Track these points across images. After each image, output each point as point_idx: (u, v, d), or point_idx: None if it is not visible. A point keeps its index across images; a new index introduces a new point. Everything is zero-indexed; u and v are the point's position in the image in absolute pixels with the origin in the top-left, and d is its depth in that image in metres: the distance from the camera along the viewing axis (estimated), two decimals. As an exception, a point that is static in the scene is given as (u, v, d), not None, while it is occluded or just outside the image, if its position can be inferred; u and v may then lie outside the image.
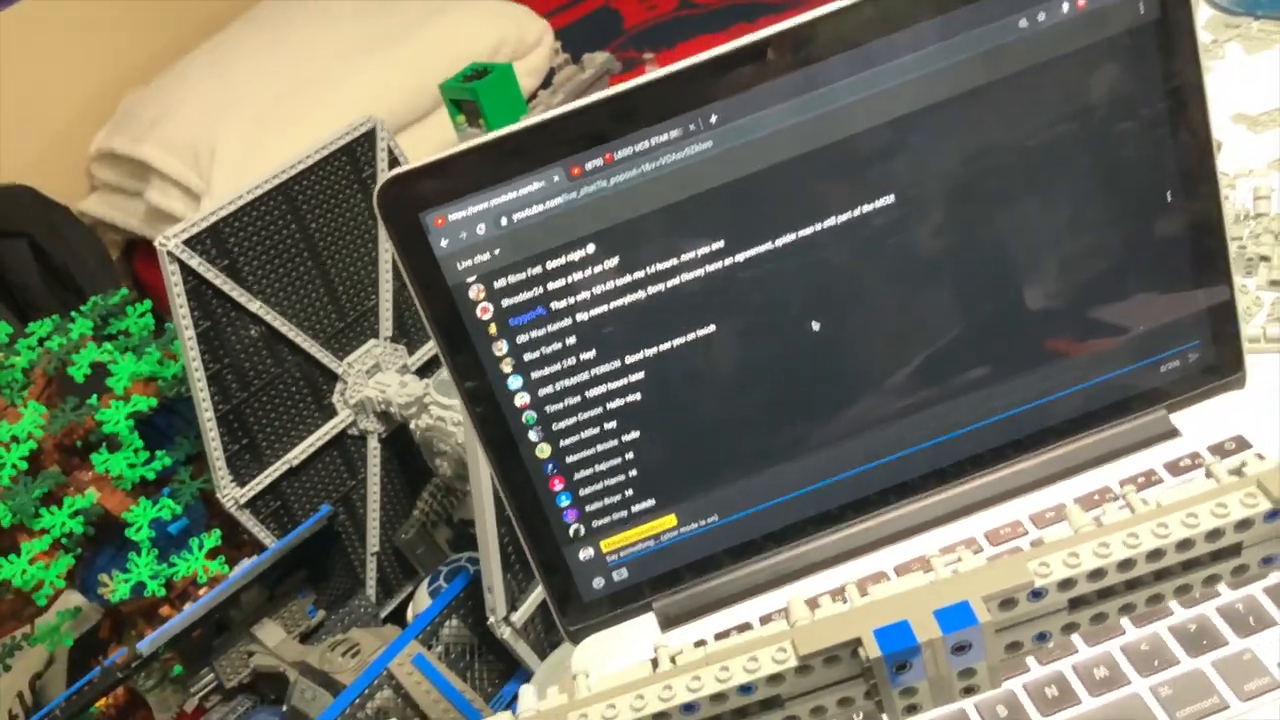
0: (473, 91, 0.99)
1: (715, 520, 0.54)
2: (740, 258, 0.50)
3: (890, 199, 0.50)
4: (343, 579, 0.84)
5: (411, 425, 0.81)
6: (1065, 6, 0.49)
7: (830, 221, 0.50)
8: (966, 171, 0.50)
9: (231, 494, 0.77)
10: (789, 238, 0.50)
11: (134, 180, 1.36)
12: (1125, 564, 0.37)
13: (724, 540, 0.54)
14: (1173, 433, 0.54)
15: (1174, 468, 0.53)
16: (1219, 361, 0.54)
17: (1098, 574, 0.37)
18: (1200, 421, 0.55)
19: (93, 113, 1.61)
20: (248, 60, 1.38)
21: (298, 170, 0.77)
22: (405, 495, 0.88)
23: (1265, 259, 0.66)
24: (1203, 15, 0.88)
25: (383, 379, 0.83)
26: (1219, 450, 0.53)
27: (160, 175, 1.27)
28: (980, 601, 0.36)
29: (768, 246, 0.50)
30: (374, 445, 0.84)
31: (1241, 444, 0.53)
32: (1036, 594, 0.37)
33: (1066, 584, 0.37)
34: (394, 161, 0.82)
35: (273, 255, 0.77)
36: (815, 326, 0.51)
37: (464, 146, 0.48)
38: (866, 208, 0.50)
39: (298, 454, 0.80)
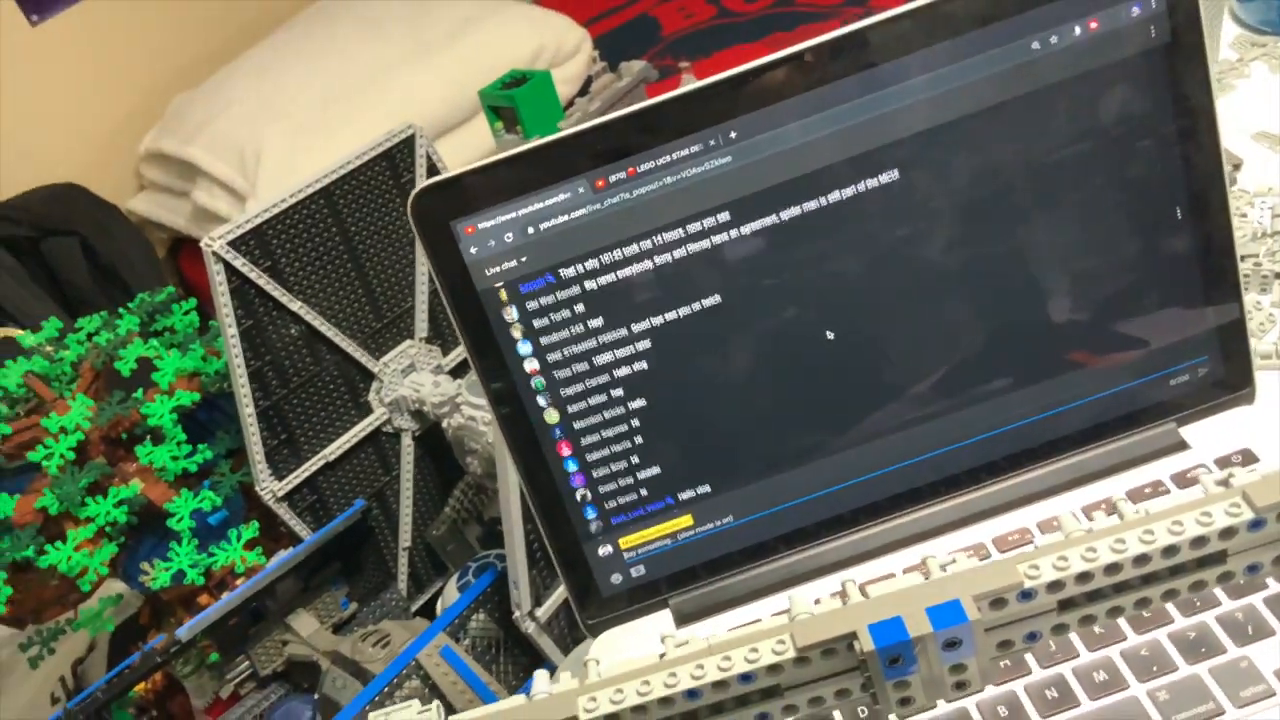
0: (511, 99, 1.02)
1: (730, 521, 0.56)
2: (756, 270, 0.52)
3: (904, 214, 0.52)
4: (375, 572, 0.87)
5: (444, 424, 0.83)
6: (1077, 30, 0.50)
7: (844, 235, 0.52)
8: (979, 188, 0.52)
9: (270, 487, 0.80)
10: (803, 250, 0.52)
11: (181, 181, 1.40)
12: (1112, 568, 0.39)
13: (738, 541, 0.57)
14: (1181, 445, 0.56)
15: (1181, 479, 0.55)
16: (1229, 377, 0.56)
17: (1085, 577, 0.39)
18: (1209, 435, 0.56)
19: (142, 114, 1.66)
20: (293, 65, 1.41)
21: (339, 175, 0.80)
22: (437, 492, 0.91)
23: (1281, 276, 0.67)
24: (1228, 33, 0.89)
25: (417, 379, 0.86)
26: (1225, 463, 0.55)
27: (207, 176, 1.31)
28: (970, 600, 0.39)
29: (782, 258, 0.52)
30: (407, 443, 0.87)
31: (1249, 458, 0.55)
32: (1026, 595, 0.39)
33: (1055, 586, 0.39)
34: (432, 167, 0.85)
35: (313, 257, 0.80)
36: (829, 336, 0.53)
37: (493, 159, 0.50)
38: (880, 222, 0.52)
39: (334, 450, 0.83)
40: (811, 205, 0.52)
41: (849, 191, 0.52)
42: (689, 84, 0.51)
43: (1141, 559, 0.39)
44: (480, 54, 1.41)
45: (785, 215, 0.52)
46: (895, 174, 0.52)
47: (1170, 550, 0.39)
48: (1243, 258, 0.67)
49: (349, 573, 0.85)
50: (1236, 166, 0.73)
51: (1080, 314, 0.54)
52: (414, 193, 0.50)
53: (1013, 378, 0.55)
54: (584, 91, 1.09)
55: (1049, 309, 0.54)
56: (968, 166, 0.52)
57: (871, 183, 0.52)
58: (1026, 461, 0.56)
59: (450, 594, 0.81)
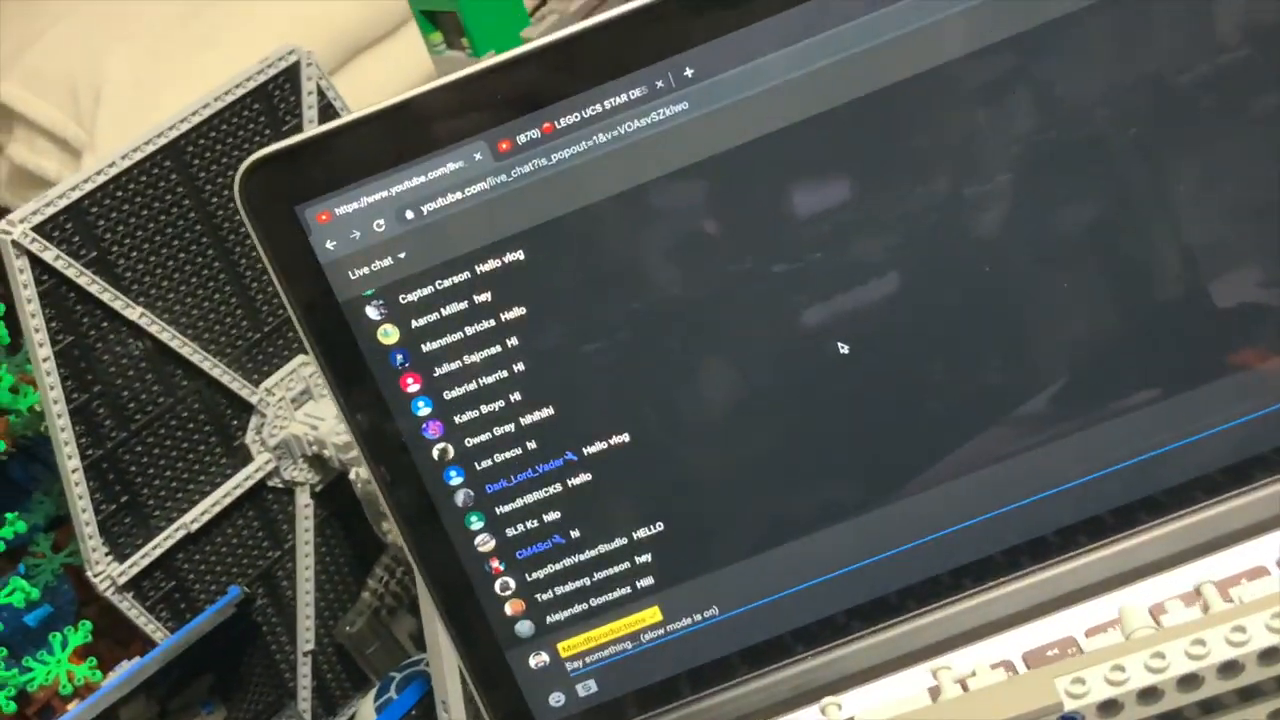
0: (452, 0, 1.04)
1: (714, 614, 0.59)
2: (731, 260, 0.55)
3: (941, 177, 0.54)
4: (264, 688, 0.90)
5: (352, 475, 0.86)
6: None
7: (852, 210, 0.55)
8: (1069, 123, 0.54)
9: (107, 572, 0.83)
10: (794, 232, 0.55)
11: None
12: (1188, 681, 0.42)
13: (726, 641, 0.59)
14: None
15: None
16: None
17: (1150, 694, 0.42)
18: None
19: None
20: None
21: (190, 125, 0.83)
22: (351, 571, 0.93)
23: None
24: None
25: (314, 410, 0.89)
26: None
27: (26, 123, 1.33)
28: (988, 731, 0.41)
29: (766, 243, 0.55)
30: (305, 502, 0.90)
31: None
32: (1067, 720, 0.42)
33: (1109, 707, 0.42)
34: (327, 109, 0.88)
35: (160, 244, 0.82)
36: (842, 349, 0.56)
37: (353, 117, 0.53)
38: (906, 191, 0.54)
39: (198, 515, 0.86)
40: (806, 169, 0.54)
41: (858, 148, 0.54)
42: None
43: (1230, 667, 0.42)
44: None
45: (770, 185, 0.54)
46: (922, 120, 0.54)
47: (1271, 654, 0.41)
48: None
49: (225, 690, 0.88)
50: None
51: (1215, 303, 0.56)
52: (242, 168, 0.53)
53: (1116, 397, 0.57)
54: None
55: (1159, 290, 0.56)
56: (1053, 94, 0.54)
57: (887, 134, 0.54)
58: (1128, 523, 0.58)
59: (365, 716, 0.84)
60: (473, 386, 0.56)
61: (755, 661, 0.60)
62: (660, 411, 0.57)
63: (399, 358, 0.56)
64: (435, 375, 0.56)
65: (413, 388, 0.56)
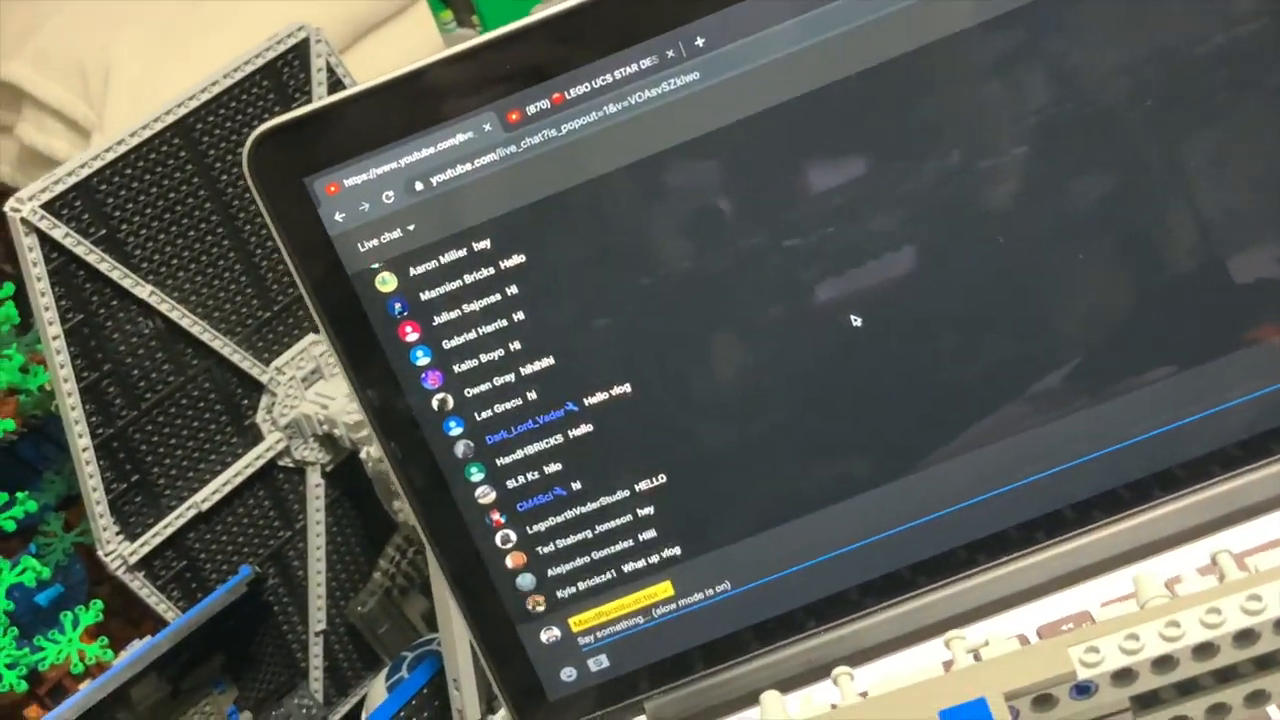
0: (463, -23, 1.05)
1: (727, 589, 0.59)
2: (742, 232, 0.55)
3: (956, 149, 0.54)
4: (276, 668, 0.91)
5: (363, 454, 0.86)
6: None
7: (865, 182, 0.55)
8: (1102, 88, 0.54)
9: (119, 551, 0.84)
10: (807, 205, 0.55)
11: (1, 111, 1.43)
12: (1203, 650, 0.42)
13: (739, 616, 0.59)
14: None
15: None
16: None
17: (1164, 663, 0.42)
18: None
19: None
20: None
21: (199, 102, 0.83)
22: (363, 551, 0.94)
23: None
24: None
25: (325, 389, 0.89)
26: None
27: (35, 104, 1.34)
28: (1001, 700, 0.41)
29: (778, 216, 0.55)
30: (315, 481, 0.91)
31: None
32: (1081, 689, 0.42)
33: (1123, 676, 0.42)
34: (336, 86, 0.88)
35: (169, 222, 0.83)
36: (855, 322, 0.56)
37: (361, 88, 0.53)
38: (920, 163, 0.55)
39: (209, 495, 0.86)
40: (819, 141, 0.54)
41: (876, 118, 0.54)
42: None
43: (1245, 636, 0.42)
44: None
45: (782, 156, 0.54)
46: (945, 86, 0.54)
47: (1287, 624, 0.41)
48: None
49: (237, 670, 0.88)
50: None
51: (1253, 268, 0.56)
52: (251, 139, 0.53)
53: (1142, 362, 0.57)
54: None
55: (1179, 258, 0.56)
56: (1068, 64, 0.54)
57: (907, 102, 0.54)
58: (1148, 495, 0.58)
59: (377, 695, 0.84)
60: (484, 360, 0.56)
61: (768, 637, 0.60)
62: (672, 389, 0.57)
63: (409, 330, 0.56)
64: (445, 350, 0.56)
65: (423, 362, 0.56)
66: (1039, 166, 0.55)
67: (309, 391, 0.89)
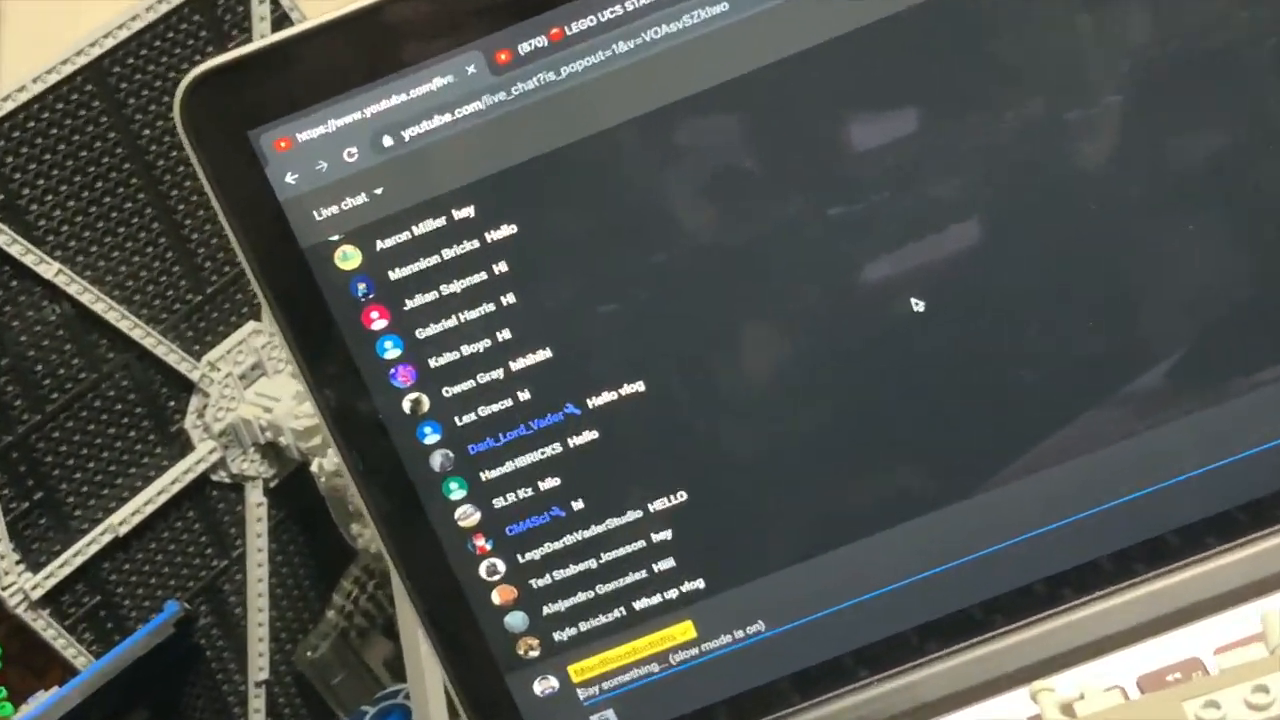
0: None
1: (760, 630, 0.58)
2: (777, 199, 0.54)
3: (1036, 98, 0.53)
4: (209, 723, 0.90)
5: (314, 467, 0.85)
6: None
7: (927, 137, 0.53)
8: (1189, 30, 0.53)
9: (19, 584, 0.83)
10: (856, 165, 0.54)
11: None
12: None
13: (775, 664, 0.58)
14: None
15: None
16: None
17: (1306, 722, 0.41)
18: None
19: None
20: None
21: (116, 41, 0.81)
22: (313, 584, 0.92)
23: None
24: None
25: (269, 389, 0.88)
26: None
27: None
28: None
29: (821, 179, 0.54)
30: (257, 500, 0.89)
31: None
32: (1204, 754, 0.41)
33: (1254, 738, 0.41)
34: (282, 20, 0.87)
35: (80, 186, 0.81)
36: (916, 307, 0.55)
37: (318, 21, 0.51)
38: (993, 115, 0.53)
39: (128, 516, 0.85)
40: (871, 87, 0.53)
41: (936, 62, 0.53)
42: None
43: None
44: None
45: (827, 106, 0.53)
46: (1019, 30, 0.53)
47: None
48: None
49: (163, 725, 0.88)
50: None
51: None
52: (183, 85, 0.51)
53: (1254, 366, 0.56)
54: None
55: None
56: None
57: (970, 48, 0.53)
58: (1259, 521, 0.57)
59: (332, 759, 0.83)
60: (466, 352, 0.55)
61: (810, 689, 0.59)
62: (693, 388, 0.56)
63: (375, 316, 0.55)
64: (420, 340, 0.55)
65: (392, 355, 0.55)
66: (1135, 120, 0.54)
67: (249, 391, 0.88)
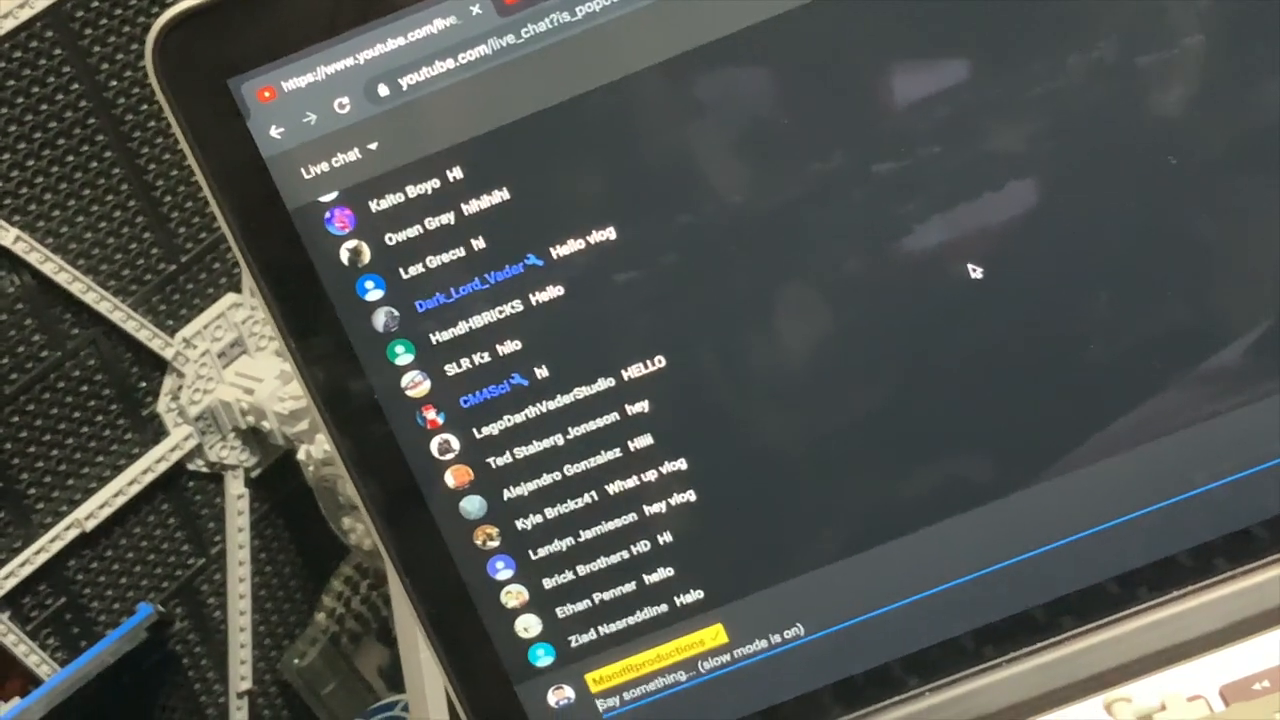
0: None
1: (798, 635, 0.57)
2: (817, 154, 0.53)
3: (1107, 39, 0.52)
4: (186, 737, 0.89)
5: (301, 454, 0.84)
6: None
7: (986, 84, 0.52)
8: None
9: (-21, 584, 0.82)
10: (906, 117, 0.52)
11: None
12: None
13: (814, 672, 0.57)
14: None
15: None
16: None
17: None
18: None
19: None
20: None
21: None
22: (300, 585, 0.91)
23: None
24: None
25: (250, 368, 0.87)
26: None
27: None
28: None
29: (869, 130, 0.52)
30: (238, 491, 0.88)
31: None
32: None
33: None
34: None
35: (40, 144, 0.80)
36: (974, 274, 0.53)
37: (306, -43, 0.51)
38: (1058, 59, 0.52)
39: (95, 509, 0.84)
40: (926, 27, 0.52)
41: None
42: None
43: None
44: None
45: (874, 49, 0.52)
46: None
47: None
48: None
49: (136, 739, 0.87)
50: None
51: None
52: (155, 28, 0.50)
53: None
54: None
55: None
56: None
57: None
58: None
59: (322, 775, 0.82)
60: (466, 318, 0.54)
61: (855, 699, 0.58)
62: (723, 364, 0.55)
63: (369, 285, 0.54)
64: (417, 309, 0.54)
65: (388, 324, 0.54)
66: (1224, 58, 0.53)
67: (228, 371, 0.88)
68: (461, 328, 0.54)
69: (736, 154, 0.53)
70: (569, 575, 0.57)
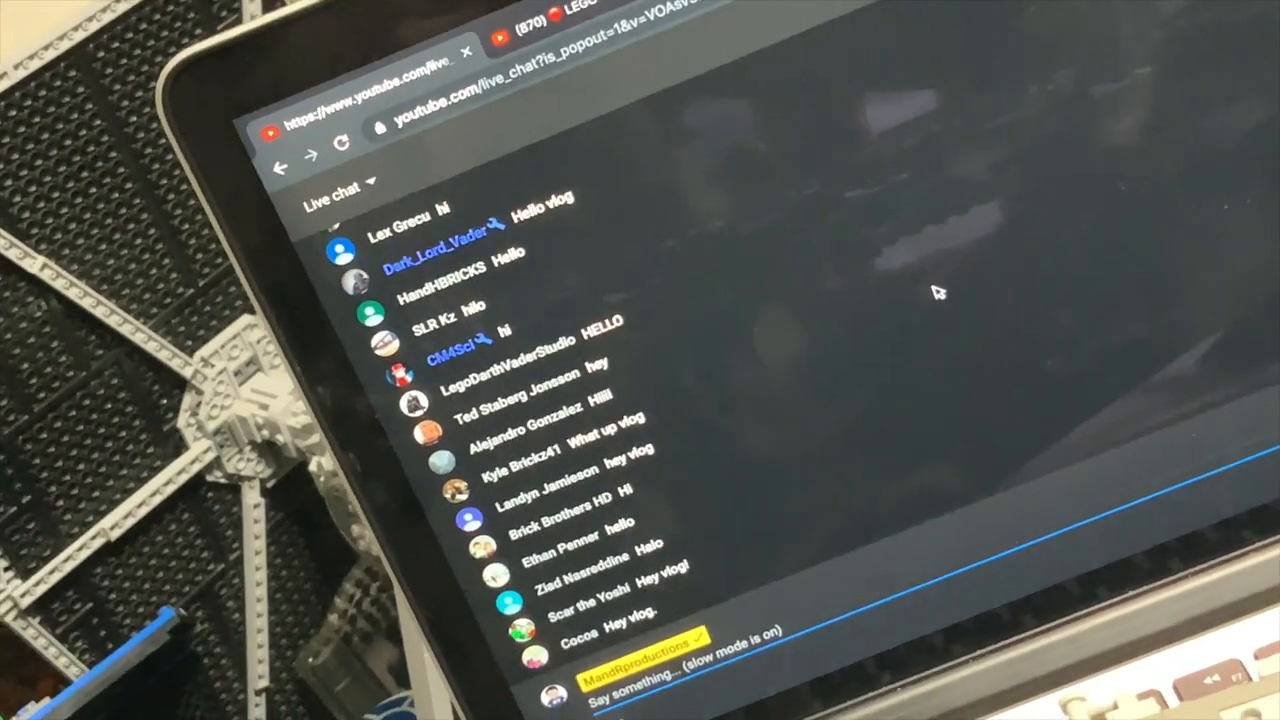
0: None
1: (777, 635, 0.59)
2: (792, 182, 0.54)
3: (1063, 71, 0.54)
4: (206, 735, 0.91)
5: (313, 466, 0.86)
6: None
7: (949, 115, 0.54)
8: None
9: (8, 592, 0.83)
10: (875, 145, 0.54)
11: None
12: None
13: (793, 671, 0.59)
14: None
15: None
16: None
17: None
18: None
19: None
20: None
21: (101, 24, 0.81)
22: (314, 588, 0.93)
23: None
24: None
25: (264, 385, 0.89)
26: None
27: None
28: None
29: (837, 160, 0.54)
30: (254, 501, 0.90)
31: None
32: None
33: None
34: (273, 2, 0.87)
35: (65, 176, 0.82)
36: (937, 295, 0.55)
37: (306, 4, 0.52)
38: (1018, 90, 0.54)
39: (120, 520, 0.85)
40: (890, 64, 0.54)
41: (958, 35, 0.53)
42: None
43: None
44: None
45: (843, 84, 0.54)
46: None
47: None
48: None
49: (158, 738, 0.88)
50: None
51: None
52: (165, 71, 0.52)
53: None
54: None
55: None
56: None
57: (995, 21, 0.53)
58: None
59: (336, 771, 0.84)
60: (462, 342, 0.56)
61: (830, 696, 0.59)
62: (705, 380, 0.57)
63: (369, 312, 0.55)
64: (415, 335, 0.56)
65: (388, 350, 0.56)
66: (1169, 94, 0.54)
67: (244, 388, 0.89)
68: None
69: (713, 178, 0.55)
70: (562, 579, 0.58)
